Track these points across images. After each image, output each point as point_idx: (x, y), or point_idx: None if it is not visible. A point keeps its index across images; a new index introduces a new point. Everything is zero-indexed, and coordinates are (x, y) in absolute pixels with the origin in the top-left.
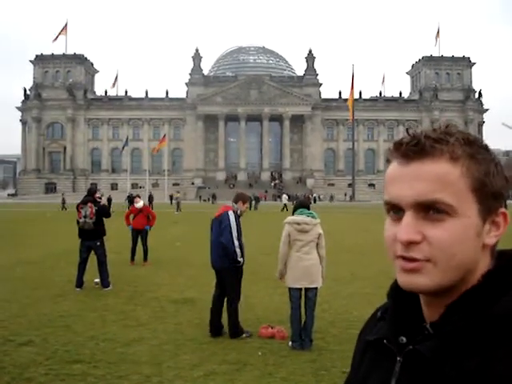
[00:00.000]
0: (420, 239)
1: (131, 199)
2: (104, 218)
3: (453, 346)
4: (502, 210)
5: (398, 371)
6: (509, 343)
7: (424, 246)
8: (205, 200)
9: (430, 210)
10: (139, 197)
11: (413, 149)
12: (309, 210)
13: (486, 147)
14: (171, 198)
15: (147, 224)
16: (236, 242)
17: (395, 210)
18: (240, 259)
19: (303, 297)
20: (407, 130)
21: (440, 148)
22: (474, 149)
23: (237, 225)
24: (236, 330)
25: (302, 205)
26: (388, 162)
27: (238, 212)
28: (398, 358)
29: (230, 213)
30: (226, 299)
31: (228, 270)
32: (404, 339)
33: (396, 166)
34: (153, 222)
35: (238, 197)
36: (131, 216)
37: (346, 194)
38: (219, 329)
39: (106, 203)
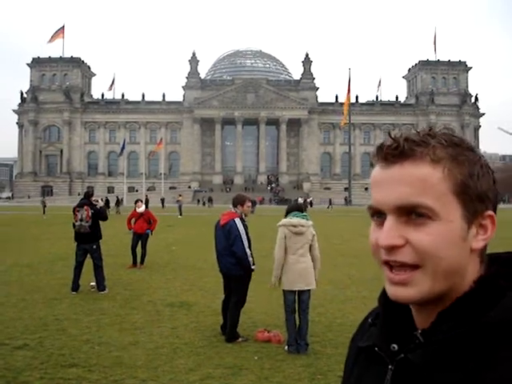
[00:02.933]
0: (402, 243)
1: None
2: (100, 222)
3: (444, 354)
4: (489, 212)
5: (389, 379)
6: (501, 351)
7: (407, 249)
8: (204, 203)
9: (411, 213)
10: (141, 201)
11: (393, 152)
12: (302, 212)
13: (471, 149)
14: (163, 201)
15: (148, 228)
16: (248, 251)
17: (378, 214)
18: (253, 267)
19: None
20: (389, 133)
21: (420, 151)
22: (457, 150)
23: (246, 232)
24: (232, 334)
25: (295, 208)
26: (372, 166)
27: (243, 216)
28: (390, 367)
29: (237, 221)
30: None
31: (240, 277)
32: (396, 347)
33: (378, 169)
34: (154, 226)
35: (236, 200)
36: (133, 220)
37: (345, 199)
38: None
39: (104, 206)
